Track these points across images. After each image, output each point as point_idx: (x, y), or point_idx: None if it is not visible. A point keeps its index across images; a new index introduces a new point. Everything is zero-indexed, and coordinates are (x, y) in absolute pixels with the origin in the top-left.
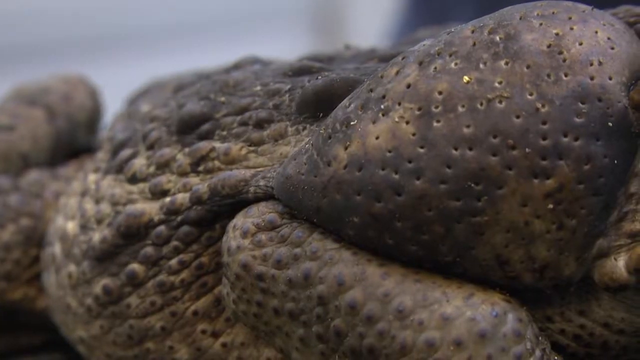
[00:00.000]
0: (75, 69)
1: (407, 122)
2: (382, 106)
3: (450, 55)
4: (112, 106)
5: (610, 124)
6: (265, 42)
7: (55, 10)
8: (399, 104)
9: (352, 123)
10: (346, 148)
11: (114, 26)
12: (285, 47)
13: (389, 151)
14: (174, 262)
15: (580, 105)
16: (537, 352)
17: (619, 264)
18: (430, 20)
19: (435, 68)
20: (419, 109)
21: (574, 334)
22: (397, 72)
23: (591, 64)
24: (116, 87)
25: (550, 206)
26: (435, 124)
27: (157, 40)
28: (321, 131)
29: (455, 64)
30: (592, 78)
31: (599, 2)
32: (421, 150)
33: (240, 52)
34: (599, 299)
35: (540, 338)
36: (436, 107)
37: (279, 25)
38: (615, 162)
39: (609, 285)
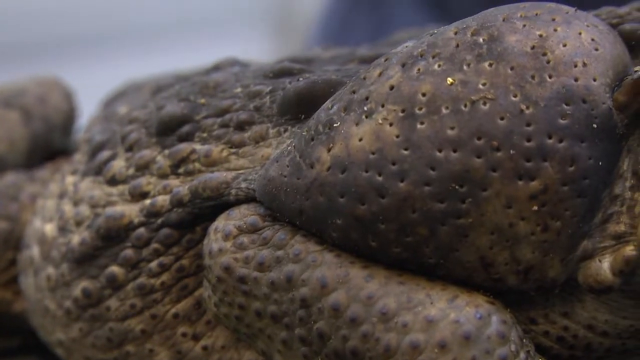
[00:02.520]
0: (43, 70)
1: (391, 124)
2: (365, 108)
3: (434, 57)
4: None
5: (594, 125)
6: (224, 45)
7: (24, 12)
8: (383, 105)
9: (335, 125)
10: (329, 150)
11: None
12: (245, 49)
13: (373, 153)
14: (154, 264)
15: (565, 106)
16: (522, 354)
17: (604, 266)
18: (368, 9)
19: (419, 70)
20: (403, 111)
21: (557, 336)
22: (380, 74)
23: (575, 66)
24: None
25: (535, 208)
26: (419, 125)
27: (122, 43)
28: (304, 133)
29: (439, 66)
30: (576, 79)
31: (581, 4)
32: (405, 152)
33: (199, 55)
34: (582, 301)
35: (524, 340)
36: (420, 109)
37: (238, 28)
38: (600, 163)
39: (594, 287)
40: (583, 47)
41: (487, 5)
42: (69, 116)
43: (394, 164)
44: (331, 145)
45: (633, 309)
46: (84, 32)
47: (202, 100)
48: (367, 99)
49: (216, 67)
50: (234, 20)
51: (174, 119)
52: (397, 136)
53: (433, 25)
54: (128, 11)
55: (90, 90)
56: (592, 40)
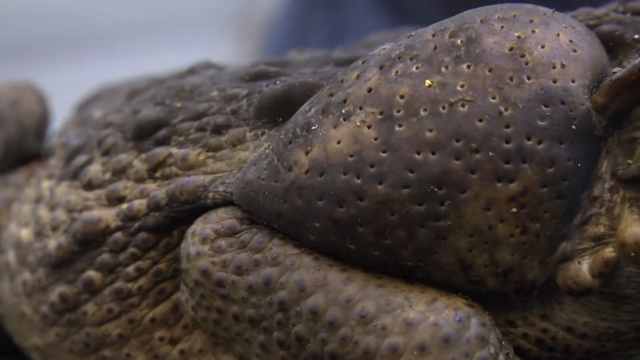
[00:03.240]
0: (12, 73)
1: (369, 127)
2: (343, 110)
3: (412, 59)
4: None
5: (573, 126)
6: (189, 48)
7: None
8: (361, 108)
9: (313, 128)
10: (307, 153)
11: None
12: (209, 53)
13: (351, 156)
14: (131, 269)
15: (544, 108)
16: (501, 357)
17: (583, 268)
18: (325, 11)
19: (397, 72)
20: (381, 113)
21: (536, 338)
22: (358, 76)
23: (554, 67)
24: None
25: (514, 210)
26: (397, 128)
27: (86, 45)
28: (281, 136)
29: (417, 68)
30: (555, 81)
31: (558, 5)
32: (383, 155)
33: (165, 58)
34: (561, 303)
35: (503, 342)
36: (398, 111)
37: (203, 31)
38: (579, 165)
39: (573, 289)
40: (561, 48)
41: (444, 8)
42: (43, 120)
43: (372, 166)
44: (309, 148)
45: (612, 310)
46: (44, 35)
47: (178, 104)
48: (345, 101)
49: (191, 71)
50: (199, 24)
51: (150, 122)
52: (376, 139)
53: (408, 29)
54: (89, 14)
55: (53, 92)
56: (570, 41)
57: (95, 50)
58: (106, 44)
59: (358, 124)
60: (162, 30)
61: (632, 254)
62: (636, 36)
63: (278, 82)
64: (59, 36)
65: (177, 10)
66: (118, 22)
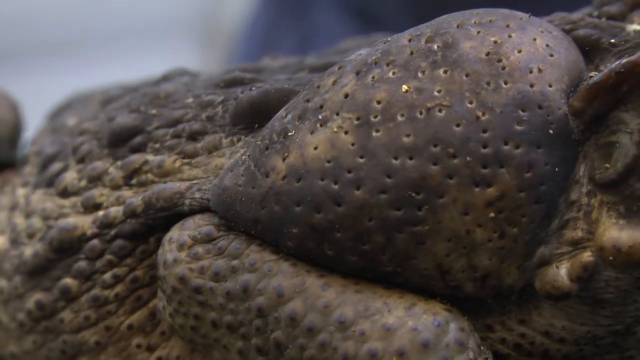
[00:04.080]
0: None
1: (346, 132)
2: (320, 116)
3: (388, 64)
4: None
5: (551, 131)
6: (154, 58)
7: None
8: (337, 113)
9: (289, 134)
10: (284, 159)
11: None
12: (174, 62)
13: (328, 161)
14: (108, 276)
15: (521, 112)
16: None
17: (561, 272)
18: (293, 19)
19: (373, 77)
20: (358, 119)
21: (514, 343)
22: (334, 82)
23: (531, 72)
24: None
25: (492, 214)
26: (374, 133)
27: (48, 56)
28: (258, 142)
29: (393, 73)
30: (532, 85)
31: (531, 10)
32: (361, 160)
33: (129, 67)
34: (539, 308)
35: (482, 347)
36: (375, 117)
37: (167, 41)
38: (556, 169)
39: (551, 294)
40: (538, 53)
41: (412, 15)
42: (15, 128)
43: (349, 172)
44: (286, 154)
45: (590, 315)
46: (13, 44)
47: (154, 111)
48: (321, 107)
49: (165, 78)
50: (164, 33)
51: (126, 130)
52: (353, 144)
53: (381, 35)
54: (56, 23)
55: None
56: (547, 46)
57: (62, 59)
58: (73, 53)
59: (335, 129)
60: (128, 39)
61: (611, 257)
62: (612, 40)
63: (253, 88)
64: (25, 45)
65: (142, 19)
66: (85, 31)
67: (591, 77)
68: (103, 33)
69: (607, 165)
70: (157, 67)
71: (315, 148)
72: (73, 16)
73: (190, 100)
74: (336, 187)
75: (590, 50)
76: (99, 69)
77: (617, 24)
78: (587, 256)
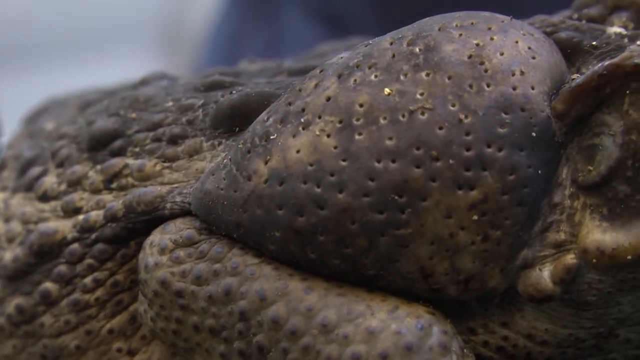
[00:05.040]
0: None
1: (328, 135)
2: (302, 119)
3: (370, 67)
4: None
5: (533, 134)
6: (111, 64)
7: None
8: (319, 117)
9: (271, 137)
10: (266, 162)
11: None
12: (131, 68)
13: (311, 165)
14: (88, 280)
15: (504, 115)
16: None
17: (544, 275)
18: (260, 24)
19: (355, 80)
20: (340, 122)
21: (497, 346)
22: (316, 85)
23: (513, 74)
24: None
25: (475, 217)
26: (357, 136)
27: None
28: (239, 146)
29: (376, 76)
30: (514, 88)
31: (510, 12)
32: (343, 163)
33: (91, 74)
34: (522, 310)
35: (465, 350)
36: (357, 120)
37: (124, 46)
38: (539, 172)
39: (534, 296)
40: (520, 55)
41: (379, 19)
42: None
43: (332, 175)
44: (268, 157)
45: (573, 317)
46: None
47: (133, 115)
48: (303, 110)
49: (144, 82)
50: (126, 39)
51: (105, 133)
52: (335, 147)
53: (358, 39)
54: (15, 30)
55: None
56: (529, 48)
57: (20, 65)
58: (33, 59)
59: (317, 132)
60: (90, 44)
61: (594, 260)
62: (594, 43)
63: (234, 92)
64: None
65: (104, 25)
66: (44, 37)
67: (573, 79)
68: (64, 39)
69: (590, 168)
70: (119, 74)
71: (298, 151)
72: (33, 21)
73: (170, 104)
74: (319, 190)
75: (571, 53)
76: (59, 75)
77: (598, 26)
78: (570, 259)
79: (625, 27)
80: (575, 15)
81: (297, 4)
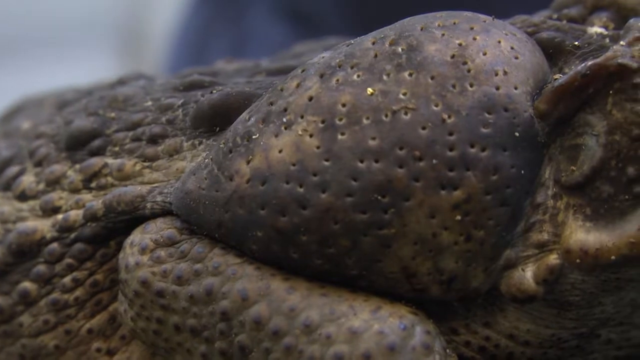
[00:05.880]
0: None
1: (311, 135)
2: (284, 119)
3: (352, 67)
4: None
5: (517, 134)
6: (68, 64)
7: None
8: (302, 117)
9: (253, 137)
10: (248, 162)
11: None
12: (89, 68)
13: (293, 164)
14: (67, 279)
15: (487, 115)
16: None
17: (527, 275)
18: (227, 24)
19: (338, 80)
20: (323, 122)
21: (479, 346)
22: (298, 85)
23: (496, 74)
24: None
25: (458, 217)
26: (339, 136)
27: None
28: (221, 145)
29: (358, 76)
30: (497, 88)
31: (491, 12)
32: (326, 163)
33: (44, 74)
34: (504, 311)
35: (448, 350)
36: (340, 120)
37: (81, 48)
38: (523, 172)
39: (517, 297)
40: (503, 55)
41: (347, 19)
42: None
43: (315, 175)
44: (250, 157)
45: (555, 318)
46: None
47: (112, 114)
48: (285, 110)
49: (121, 81)
50: (80, 38)
51: (84, 133)
52: (318, 147)
53: (334, 39)
54: None
55: None
56: (512, 48)
57: None
58: None
59: (300, 132)
60: (44, 45)
61: (578, 260)
62: (576, 43)
63: (214, 91)
64: None
65: (59, 24)
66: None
67: (556, 79)
68: (18, 38)
69: (573, 168)
70: (72, 74)
71: (280, 151)
72: None
73: (149, 103)
74: (301, 190)
75: (553, 53)
76: (10, 76)
77: (579, 26)
78: (553, 259)
79: (606, 27)
80: (555, 16)
81: (264, 3)
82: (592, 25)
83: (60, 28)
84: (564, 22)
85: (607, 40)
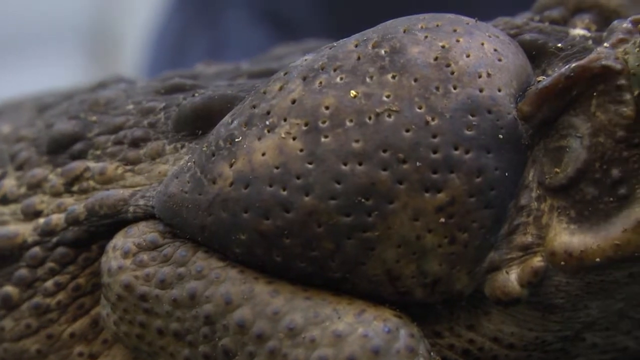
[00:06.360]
0: None
1: (294, 138)
2: (267, 122)
3: (335, 70)
4: None
5: (500, 136)
6: (36, 67)
7: None
8: (285, 119)
9: (236, 140)
10: (231, 165)
11: None
12: (57, 72)
13: (277, 167)
14: (49, 283)
15: (471, 117)
16: None
17: (511, 278)
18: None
19: (321, 83)
20: (306, 125)
21: (463, 349)
22: (281, 88)
23: (480, 76)
24: None
25: (442, 220)
26: (323, 139)
27: None
28: (203, 148)
29: (341, 79)
30: (481, 90)
31: (472, 14)
32: (310, 166)
33: (8, 78)
34: (488, 314)
35: (432, 354)
36: (323, 122)
37: (50, 51)
38: (506, 174)
39: (501, 299)
40: (486, 57)
41: (324, 22)
42: None
43: (298, 178)
44: (233, 160)
45: (539, 320)
46: None
47: (94, 118)
48: (268, 113)
49: (102, 85)
50: (45, 42)
51: (66, 136)
52: (301, 150)
53: (313, 42)
54: None
55: None
56: (495, 50)
57: None
58: None
59: (283, 135)
60: (13, 47)
61: (562, 263)
62: (559, 45)
63: (196, 94)
64: None
65: (26, 28)
66: None
67: (539, 81)
68: None
69: (557, 170)
70: (44, 75)
71: (263, 154)
72: None
73: (131, 107)
74: (285, 193)
75: (536, 55)
76: None
77: (561, 28)
78: (537, 261)
79: (588, 29)
80: (537, 18)
81: (241, 6)
82: (574, 27)
83: (25, 32)
84: (546, 24)
85: (590, 42)
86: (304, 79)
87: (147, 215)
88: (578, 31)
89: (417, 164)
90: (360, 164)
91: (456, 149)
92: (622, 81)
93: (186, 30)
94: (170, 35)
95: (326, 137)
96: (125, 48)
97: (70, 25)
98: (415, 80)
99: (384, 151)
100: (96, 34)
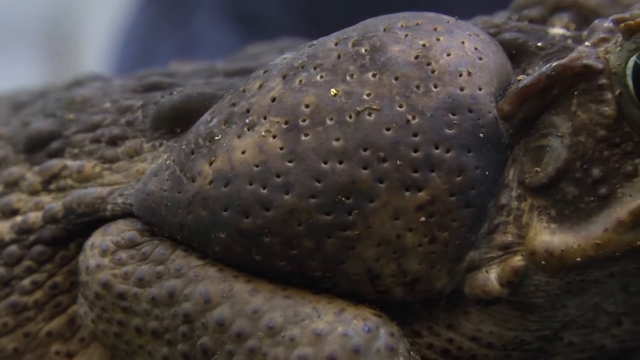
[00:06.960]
0: None
1: (274, 136)
2: (247, 120)
3: (315, 68)
4: None
5: (481, 135)
6: None
7: None
8: (265, 118)
9: (216, 138)
10: (211, 163)
11: None
12: (19, 71)
13: (257, 166)
14: (26, 282)
15: (451, 116)
16: None
17: (491, 277)
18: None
19: (301, 81)
20: (286, 123)
21: (442, 349)
22: (261, 86)
23: (460, 75)
24: None
25: (422, 219)
26: (303, 137)
27: None
28: (183, 147)
29: (321, 77)
30: (462, 89)
31: (450, 13)
32: (290, 165)
33: None
34: (467, 313)
35: (412, 353)
36: (304, 121)
37: (10, 51)
38: (487, 173)
39: (481, 298)
40: (467, 56)
41: (295, 22)
42: None
43: (278, 176)
44: (213, 158)
45: (518, 320)
46: None
47: (71, 116)
48: (248, 111)
49: (78, 83)
50: (5, 41)
51: (43, 134)
52: (281, 148)
53: (287, 41)
54: None
55: None
56: (476, 49)
57: None
58: None
59: (263, 133)
60: None
61: (542, 262)
62: (539, 44)
63: (174, 92)
64: None
65: None
66: None
67: (520, 80)
68: None
69: (538, 169)
70: (3, 76)
71: (243, 152)
72: None
73: (108, 105)
74: (265, 191)
75: (516, 54)
76: None
77: (541, 27)
78: (517, 260)
79: (567, 28)
80: (515, 17)
81: (210, 6)
82: (553, 26)
83: None
84: (525, 22)
85: (570, 41)
86: (284, 77)
87: (126, 214)
88: (557, 30)
89: (398, 162)
90: (340, 163)
91: (437, 147)
92: (604, 80)
93: (155, 30)
94: (139, 34)
95: (306, 135)
96: (87, 47)
97: (31, 25)
98: (396, 78)
99: (365, 150)
100: (57, 33)
